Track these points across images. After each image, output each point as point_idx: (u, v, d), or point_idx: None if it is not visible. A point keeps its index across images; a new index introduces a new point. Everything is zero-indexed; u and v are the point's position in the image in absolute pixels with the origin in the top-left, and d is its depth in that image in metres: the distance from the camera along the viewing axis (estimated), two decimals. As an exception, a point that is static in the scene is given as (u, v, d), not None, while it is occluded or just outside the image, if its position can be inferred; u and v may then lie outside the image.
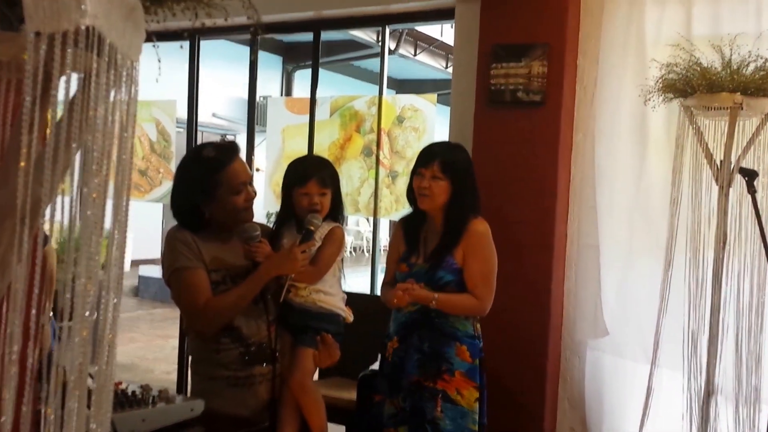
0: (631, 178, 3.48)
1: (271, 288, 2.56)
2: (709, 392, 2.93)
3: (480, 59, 3.68)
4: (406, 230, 3.02)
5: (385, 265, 3.12)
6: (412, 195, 2.96)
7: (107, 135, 1.00)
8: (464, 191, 2.90)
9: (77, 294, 0.95)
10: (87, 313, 0.95)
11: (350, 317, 2.68)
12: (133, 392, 1.88)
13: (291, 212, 2.67)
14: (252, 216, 2.60)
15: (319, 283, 2.60)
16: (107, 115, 1.00)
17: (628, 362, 3.49)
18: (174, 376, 5.83)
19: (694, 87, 2.82)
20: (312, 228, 2.55)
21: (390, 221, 5.23)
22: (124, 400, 1.82)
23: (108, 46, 0.94)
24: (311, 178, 2.61)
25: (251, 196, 2.55)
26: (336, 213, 2.69)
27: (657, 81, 2.95)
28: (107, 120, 1.01)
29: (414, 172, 2.93)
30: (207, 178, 2.47)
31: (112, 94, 1.02)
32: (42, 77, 0.90)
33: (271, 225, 2.84)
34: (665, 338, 3.02)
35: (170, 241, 2.52)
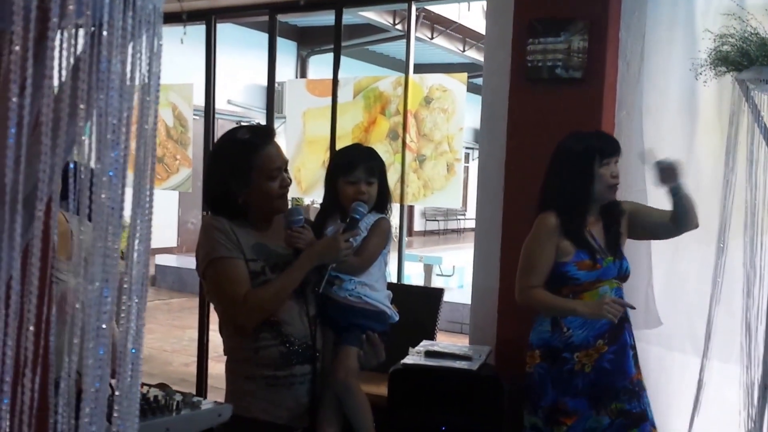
0: (679, 157, 3.29)
1: (312, 281, 2.42)
2: (766, 385, 2.75)
3: (515, 35, 3.50)
4: (571, 227, 2.82)
5: (528, 265, 2.88)
6: (581, 190, 2.81)
7: (125, 96, 0.81)
8: None
9: (90, 301, 0.78)
10: (104, 326, 0.78)
11: (396, 316, 2.55)
12: (155, 397, 1.71)
13: (336, 203, 2.55)
14: (286, 205, 2.48)
15: (364, 276, 2.47)
16: (125, 70, 0.81)
17: (676, 354, 3.32)
18: (193, 369, 5.72)
19: (752, 59, 2.64)
20: (357, 216, 2.42)
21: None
22: (146, 407, 1.65)
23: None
24: (358, 166, 2.50)
25: (286, 182, 2.43)
26: (383, 205, 2.57)
27: (710, 53, 2.76)
28: (125, 77, 0.81)
29: (593, 164, 2.78)
30: (241, 161, 2.35)
31: (130, 47, 0.83)
32: (36, 17, 0.72)
33: None
34: (717, 329, 2.86)
35: (207, 229, 2.39)
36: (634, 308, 2.84)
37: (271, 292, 2.34)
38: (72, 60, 0.80)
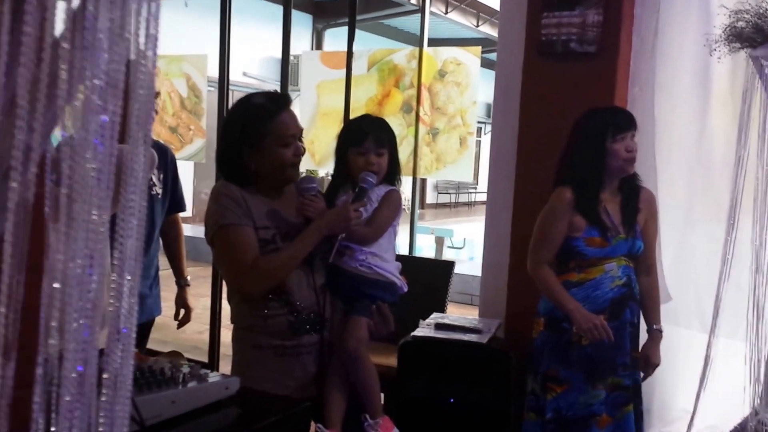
0: (691, 134, 3.27)
1: (323, 251, 2.41)
2: (773, 362, 2.75)
3: (530, 8, 3.47)
4: (584, 202, 2.83)
5: (541, 238, 2.90)
6: (595, 164, 2.80)
7: (116, 57, 0.73)
8: None
9: (72, 280, 0.71)
10: (78, 323, 0.72)
11: (405, 287, 2.55)
12: (162, 370, 1.68)
13: (346, 174, 2.54)
14: (298, 175, 2.45)
15: (374, 247, 2.47)
16: (114, 28, 0.73)
17: (683, 330, 3.31)
18: (206, 336, 5.76)
19: (766, 35, 2.62)
20: (366, 186, 2.41)
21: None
22: (151, 380, 1.62)
23: None
24: (367, 136, 2.48)
25: (300, 151, 2.40)
26: (393, 176, 2.56)
27: (725, 29, 2.73)
28: (113, 35, 0.73)
29: (606, 139, 2.77)
30: (255, 126, 2.32)
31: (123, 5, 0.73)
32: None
33: None
34: (725, 305, 2.85)
35: (216, 196, 2.36)
36: (611, 341, 2.81)
37: (279, 261, 2.33)
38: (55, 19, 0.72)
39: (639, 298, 2.92)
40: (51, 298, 0.72)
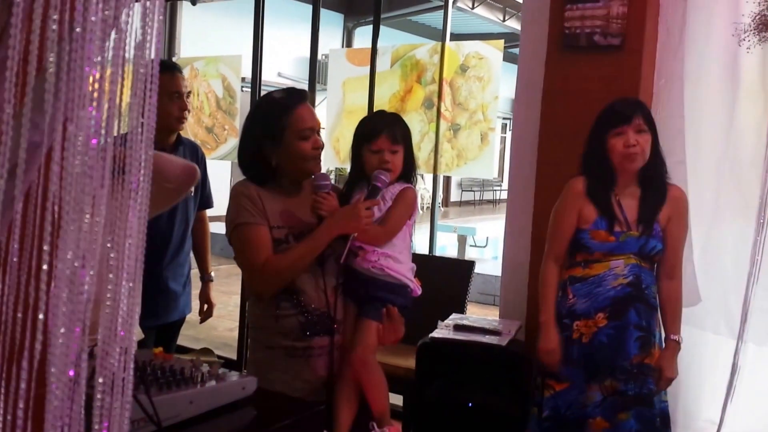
0: (719, 129, 3.16)
1: (336, 251, 2.37)
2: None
3: (553, 0, 3.37)
4: (594, 195, 2.77)
5: (551, 230, 2.89)
6: (599, 158, 2.75)
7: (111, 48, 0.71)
8: (659, 146, 2.74)
9: (61, 281, 0.68)
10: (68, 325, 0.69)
11: (418, 290, 2.47)
12: (182, 369, 1.68)
13: (361, 173, 2.48)
14: (319, 169, 2.45)
15: (387, 247, 2.40)
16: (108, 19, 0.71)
17: (710, 335, 3.18)
18: (236, 334, 5.81)
19: (798, 24, 2.52)
20: (379, 185, 2.35)
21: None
22: (171, 379, 1.62)
23: None
24: (381, 133, 2.42)
25: (319, 144, 2.41)
26: (408, 173, 2.50)
27: (754, 17, 2.64)
28: (107, 26, 0.71)
29: (604, 134, 2.72)
30: (274, 120, 2.36)
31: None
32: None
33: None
34: (753, 309, 2.75)
35: (234, 196, 2.40)
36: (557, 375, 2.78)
37: (289, 260, 2.32)
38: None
39: (658, 302, 2.79)
40: (41, 299, 0.70)
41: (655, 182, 2.77)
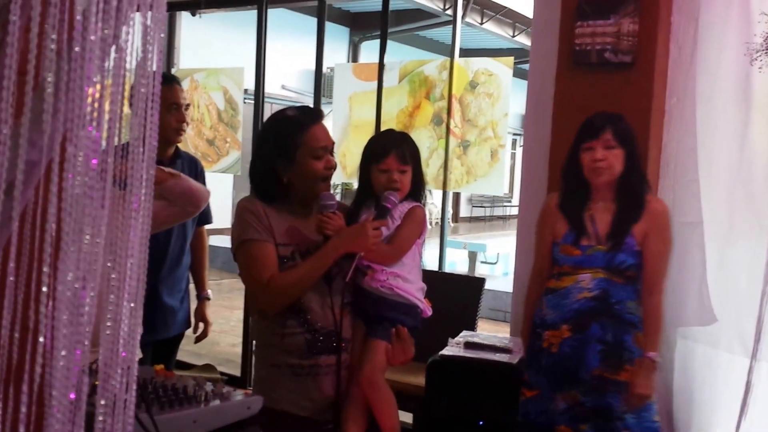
0: (731, 148, 3.14)
1: (344, 269, 2.35)
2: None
3: (563, 17, 3.37)
4: (565, 209, 2.81)
5: (534, 251, 2.96)
6: (572, 172, 2.79)
7: (112, 63, 0.71)
8: (637, 161, 2.73)
9: (62, 303, 0.67)
10: (88, 329, 0.68)
11: (429, 311, 2.46)
12: (185, 388, 1.65)
13: (369, 192, 2.47)
14: (329, 189, 2.44)
15: (397, 267, 2.39)
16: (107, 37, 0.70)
17: (723, 353, 3.16)
18: (239, 350, 5.74)
19: (810, 44, 2.50)
20: (388, 205, 2.34)
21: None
22: (174, 398, 1.60)
23: None
24: (390, 153, 2.41)
25: (332, 164, 2.40)
26: (417, 192, 2.49)
27: (766, 37, 2.63)
28: (107, 44, 0.70)
29: (577, 149, 2.76)
30: (287, 137, 2.34)
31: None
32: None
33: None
34: (767, 328, 2.72)
35: (240, 213, 2.38)
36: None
37: (294, 278, 2.30)
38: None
39: (636, 319, 2.73)
40: (40, 321, 0.69)
41: (631, 196, 2.75)
